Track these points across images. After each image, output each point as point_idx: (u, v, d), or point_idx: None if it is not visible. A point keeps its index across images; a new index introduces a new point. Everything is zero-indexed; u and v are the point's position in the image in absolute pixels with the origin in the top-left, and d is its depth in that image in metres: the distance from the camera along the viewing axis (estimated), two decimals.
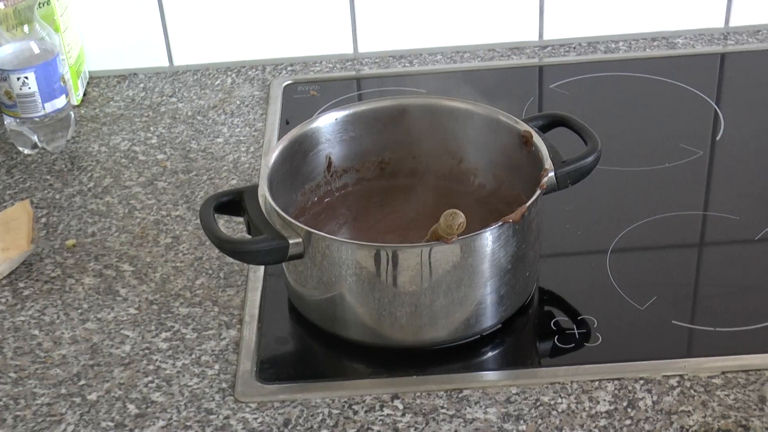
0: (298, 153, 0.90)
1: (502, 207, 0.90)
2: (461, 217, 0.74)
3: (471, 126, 0.92)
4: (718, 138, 1.05)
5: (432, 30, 1.24)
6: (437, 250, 0.76)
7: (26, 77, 1.04)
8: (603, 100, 1.14)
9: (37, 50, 1.06)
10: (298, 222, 0.79)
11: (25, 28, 1.06)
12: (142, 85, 1.22)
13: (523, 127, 0.87)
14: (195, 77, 1.23)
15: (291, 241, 0.79)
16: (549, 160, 0.83)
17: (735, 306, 0.84)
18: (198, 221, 0.97)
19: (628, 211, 0.95)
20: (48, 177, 1.07)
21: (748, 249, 0.90)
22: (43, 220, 1.00)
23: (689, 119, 1.09)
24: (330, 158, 0.92)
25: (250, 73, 1.23)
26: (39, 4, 1.11)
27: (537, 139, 0.86)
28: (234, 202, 0.84)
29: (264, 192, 0.81)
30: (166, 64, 1.25)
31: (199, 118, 1.15)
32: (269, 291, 0.89)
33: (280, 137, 1.09)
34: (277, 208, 0.79)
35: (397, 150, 0.94)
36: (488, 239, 0.77)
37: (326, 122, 0.91)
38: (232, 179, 1.04)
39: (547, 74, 1.19)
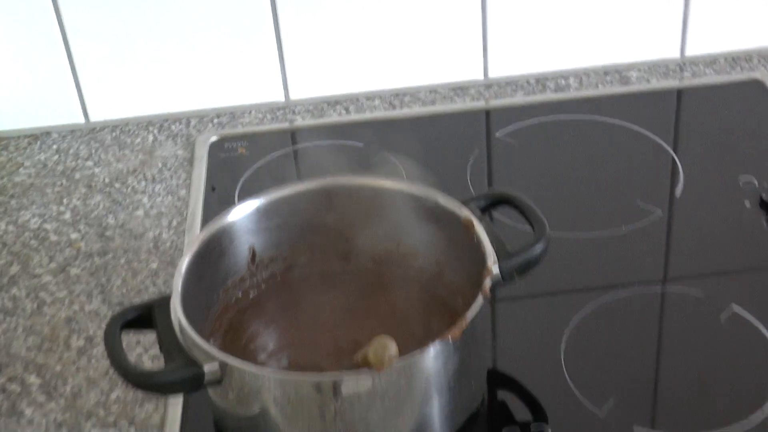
0: (216, 250, 0.81)
1: (444, 294, 0.82)
2: (392, 349, 0.66)
3: (408, 208, 0.83)
4: (677, 192, 0.97)
5: (368, 72, 1.15)
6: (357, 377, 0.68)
7: None
8: (553, 149, 1.05)
9: None
10: (215, 350, 0.69)
11: None
12: (55, 147, 1.12)
13: (464, 213, 0.79)
14: (113, 135, 1.14)
15: (206, 369, 0.70)
16: (492, 255, 0.75)
17: (699, 406, 0.76)
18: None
19: (583, 288, 0.87)
20: None
21: (711, 332, 0.82)
22: None
23: (646, 170, 1.01)
24: (253, 249, 0.84)
25: (173, 128, 1.14)
26: None
27: (479, 227, 0.77)
28: (144, 317, 0.76)
29: (176, 309, 0.73)
30: (82, 120, 1.15)
31: (117, 185, 1.06)
32: (192, 404, 0.80)
33: (204, 208, 1.01)
34: (191, 333, 0.70)
35: (328, 233, 0.86)
36: (425, 361, 0.69)
37: (245, 213, 0.82)
38: (152, 262, 0.95)
39: (494, 119, 1.11)
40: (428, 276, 0.84)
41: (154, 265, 0.95)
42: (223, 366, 0.69)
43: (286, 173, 1.06)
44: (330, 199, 0.84)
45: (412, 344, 0.78)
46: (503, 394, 0.79)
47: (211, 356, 0.70)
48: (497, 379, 0.79)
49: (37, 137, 1.14)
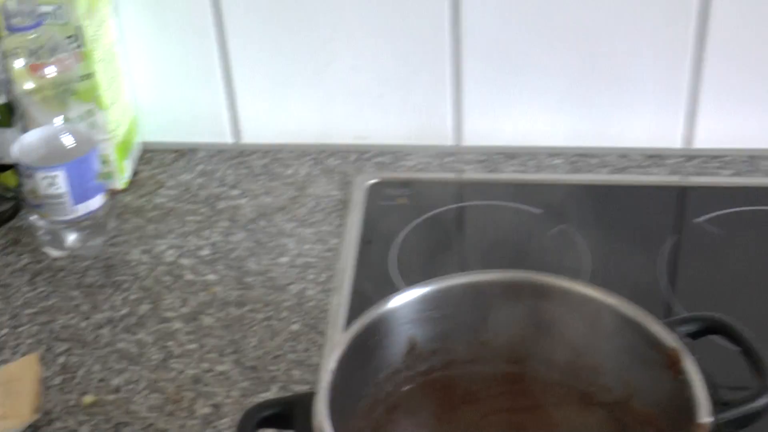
0: (370, 341, 0.69)
1: (631, 423, 0.69)
2: None
3: (599, 319, 0.70)
4: None
5: (551, 125, 1.02)
6: None
7: (55, 176, 0.86)
8: (765, 248, 0.90)
9: (69, 143, 0.88)
10: None
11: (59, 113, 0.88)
12: (201, 167, 1.03)
13: (670, 342, 0.66)
14: (263, 162, 1.04)
15: None
16: (705, 406, 0.62)
17: None
18: (246, 384, 0.79)
19: None
20: (76, 293, 0.89)
21: None
22: (62, 359, 0.82)
23: None
24: (413, 340, 0.72)
25: (329, 161, 1.03)
26: (81, 77, 0.92)
27: (688, 365, 0.64)
28: (283, 415, 0.65)
29: (321, 424, 0.62)
30: (232, 140, 1.06)
31: (262, 223, 0.96)
32: None
33: (357, 265, 0.89)
34: None
35: (500, 331, 0.74)
36: None
37: (407, 300, 0.71)
38: (294, 322, 0.85)
39: (694, 200, 0.96)
40: (613, 398, 0.71)
41: (295, 327, 0.84)
42: None
43: (451, 235, 0.94)
44: (508, 295, 0.72)
45: None
46: None
47: None
48: None
49: (184, 153, 1.05)
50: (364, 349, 0.69)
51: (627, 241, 0.91)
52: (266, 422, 0.65)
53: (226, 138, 1.05)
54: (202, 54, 1.01)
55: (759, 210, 0.93)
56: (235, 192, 1.00)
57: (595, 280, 0.85)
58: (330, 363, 0.66)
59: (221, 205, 0.98)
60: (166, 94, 1.04)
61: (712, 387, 0.63)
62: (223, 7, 0.98)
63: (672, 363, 0.65)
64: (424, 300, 0.71)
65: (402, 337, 0.72)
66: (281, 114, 1.04)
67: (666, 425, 0.66)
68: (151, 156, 1.05)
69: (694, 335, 0.68)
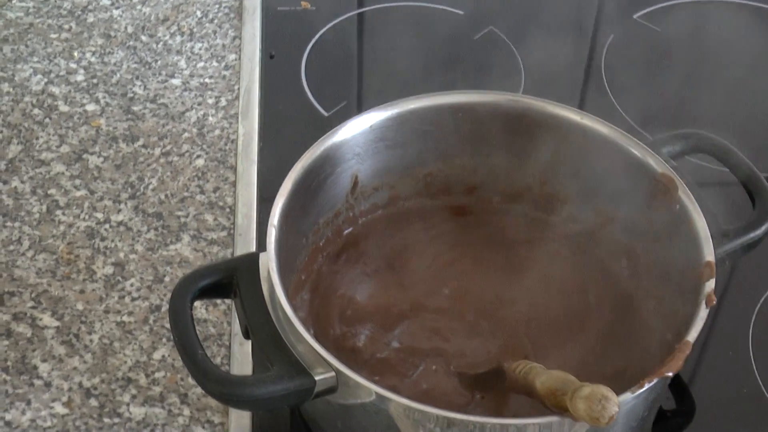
0: (314, 183, 0.59)
1: (603, 255, 0.62)
2: (614, 407, 0.45)
3: (571, 143, 0.61)
4: None
5: None
6: (547, 424, 0.48)
7: None
8: (707, 45, 0.82)
9: None
10: (336, 360, 0.49)
11: None
12: None
13: (661, 167, 0.58)
14: None
15: (318, 378, 0.50)
16: (709, 243, 0.54)
17: None
18: (151, 235, 0.67)
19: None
20: None
21: None
22: None
23: None
24: (356, 177, 0.62)
25: None
26: None
27: (684, 193, 0.56)
28: (222, 285, 0.54)
29: (276, 290, 0.51)
30: None
31: (143, 39, 0.81)
32: None
33: (262, 84, 0.77)
34: (303, 332, 0.49)
35: (451, 160, 0.64)
36: (631, 402, 0.49)
37: (355, 132, 0.60)
38: (198, 156, 0.72)
39: None
40: (582, 228, 0.63)
41: (199, 162, 0.72)
42: (344, 379, 0.49)
43: (370, 43, 0.82)
44: (462, 118, 0.62)
45: (560, 319, 0.60)
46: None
47: (328, 364, 0.49)
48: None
49: None
50: (307, 193, 0.59)
51: (563, 42, 0.82)
52: (204, 293, 0.54)
53: None
54: None
55: (698, 2, 0.86)
56: (105, 2, 0.84)
57: (527, 87, 0.77)
58: (274, 217, 0.55)
59: (91, 18, 0.82)
60: None
61: (712, 218, 0.56)
62: None
63: (664, 190, 0.57)
64: (372, 131, 0.61)
65: (346, 174, 0.62)
66: None
67: (643, 255, 0.60)
68: None
69: (676, 156, 0.61)
